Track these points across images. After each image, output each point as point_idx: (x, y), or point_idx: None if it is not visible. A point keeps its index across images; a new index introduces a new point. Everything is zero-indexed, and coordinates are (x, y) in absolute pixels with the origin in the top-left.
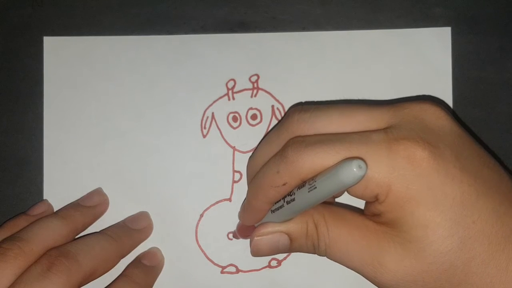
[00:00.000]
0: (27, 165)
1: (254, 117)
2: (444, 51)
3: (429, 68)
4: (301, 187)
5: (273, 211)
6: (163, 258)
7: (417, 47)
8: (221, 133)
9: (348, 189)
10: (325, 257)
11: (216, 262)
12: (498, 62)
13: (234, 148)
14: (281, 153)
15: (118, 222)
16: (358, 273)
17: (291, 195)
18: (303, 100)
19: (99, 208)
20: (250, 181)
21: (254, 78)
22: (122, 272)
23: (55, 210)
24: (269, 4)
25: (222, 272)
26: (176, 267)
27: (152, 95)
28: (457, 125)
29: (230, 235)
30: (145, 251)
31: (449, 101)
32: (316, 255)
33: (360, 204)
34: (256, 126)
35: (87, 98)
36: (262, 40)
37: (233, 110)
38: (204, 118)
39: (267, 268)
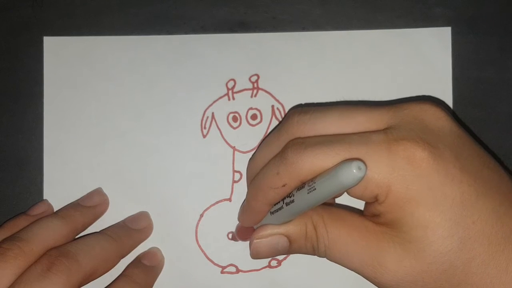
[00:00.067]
0: (27, 165)
1: (254, 117)
2: (444, 51)
3: (429, 68)
4: (301, 189)
5: (272, 213)
6: (163, 258)
7: (417, 47)
8: (221, 133)
9: (348, 190)
10: (325, 258)
11: (216, 262)
12: (498, 62)
13: (234, 148)
14: (281, 154)
15: (118, 222)
16: (358, 273)
17: (290, 197)
18: (303, 100)
19: (99, 208)
20: (250, 183)
21: (254, 78)
22: (122, 272)
23: (55, 210)
24: (269, 4)
25: (222, 272)
26: (176, 267)
27: (152, 95)
28: (457, 125)
29: (230, 235)
30: (145, 251)
31: (449, 101)
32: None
33: (360, 204)
34: (256, 126)
35: (87, 98)
36: (262, 40)
37: (233, 110)
38: (204, 118)
39: (267, 268)
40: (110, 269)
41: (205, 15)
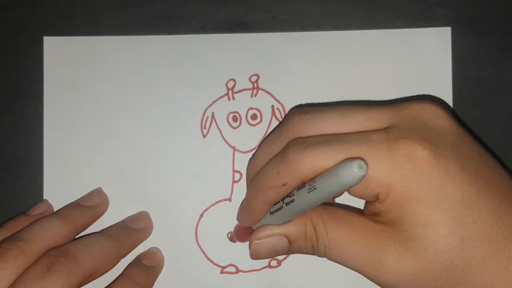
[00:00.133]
0: (27, 165)
1: (254, 117)
2: (444, 51)
3: (429, 68)
4: (301, 188)
5: (271, 213)
6: (163, 258)
7: (417, 47)
8: (221, 133)
9: (349, 189)
10: (325, 258)
11: (216, 262)
12: (498, 62)
13: (234, 148)
14: (282, 154)
15: (118, 222)
16: (359, 273)
17: (290, 196)
18: (303, 100)
19: (99, 208)
20: (250, 182)
21: (254, 78)
22: (122, 272)
23: (55, 210)
24: (269, 4)
25: (222, 272)
26: (176, 267)
27: (152, 95)
28: (457, 124)
29: (229, 236)
30: (145, 251)
31: (449, 101)
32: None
33: (360, 204)
34: (256, 126)
35: (87, 98)
36: (262, 40)
37: (233, 110)
38: (204, 118)
39: (267, 268)
40: (110, 269)
41: (205, 15)
